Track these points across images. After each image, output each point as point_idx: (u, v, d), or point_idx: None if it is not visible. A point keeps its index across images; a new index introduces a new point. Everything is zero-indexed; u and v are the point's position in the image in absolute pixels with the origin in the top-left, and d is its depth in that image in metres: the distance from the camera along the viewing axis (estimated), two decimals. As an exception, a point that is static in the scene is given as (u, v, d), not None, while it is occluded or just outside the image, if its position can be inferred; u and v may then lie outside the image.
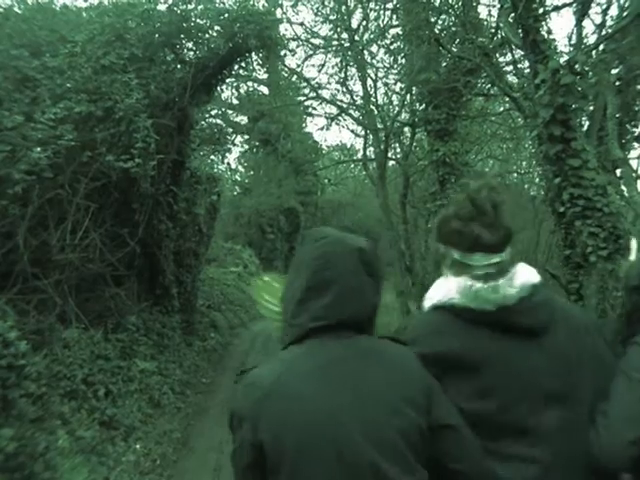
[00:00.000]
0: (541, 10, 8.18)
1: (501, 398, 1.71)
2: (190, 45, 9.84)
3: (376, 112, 21.11)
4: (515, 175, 21.75)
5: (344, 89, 22.71)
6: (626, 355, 1.86)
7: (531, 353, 1.77)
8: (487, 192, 1.90)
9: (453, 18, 14.13)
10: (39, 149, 6.26)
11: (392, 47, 16.86)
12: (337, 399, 1.55)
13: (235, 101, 27.99)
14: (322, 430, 1.51)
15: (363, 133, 24.12)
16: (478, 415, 1.69)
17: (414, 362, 1.70)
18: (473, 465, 1.64)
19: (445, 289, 1.89)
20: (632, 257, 2.52)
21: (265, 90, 28.41)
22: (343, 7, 20.00)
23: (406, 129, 20.65)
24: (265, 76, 26.40)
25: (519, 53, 12.45)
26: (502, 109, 18.38)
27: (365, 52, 20.47)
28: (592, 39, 10.49)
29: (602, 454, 1.69)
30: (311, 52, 22.48)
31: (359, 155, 28.98)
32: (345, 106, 23.11)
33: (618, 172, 9.88)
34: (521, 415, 1.70)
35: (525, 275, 1.85)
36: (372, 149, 22.98)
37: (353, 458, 1.48)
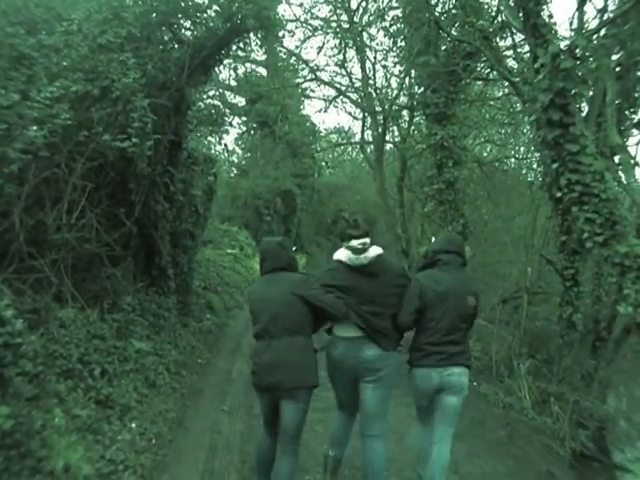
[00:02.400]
0: (542, -7, 8.16)
1: (355, 297, 4.72)
2: (188, 25, 9.76)
3: (374, 95, 21.11)
4: (513, 160, 21.74)
5: (343, 71, 22.70)
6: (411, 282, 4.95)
7: (370, 283, 4.75)
8: (351, 216, 4.84)
9: (453, 1, 14.09)
10: (35, 128, 6.22)
11: (391, 29, 16.79)
12: (269, 290, 4.83)
13: (233, 82, 27.97)
14: (262, 298, 4.84)
15: (361, 116, 24.11)
16: (348, 303, 4.73)
17: (302, 278, 4.91)
18: (328, 301, 4.73)
19: (340, 254, 4.87)
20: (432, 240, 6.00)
21: (263, 72, 28.38)
22: (343, -12, 19.96)
23: (404, 112, 20.62)
24: (263, 57, 26.40)
25: (519, 37, 12.46)
26: (501, 93, 18.40)
27: (364, 34, 20.41)
28: (593, 24, 10.47)
29: (400, 320, 4.81)
30: (310, 34, 22.43)
31: (357, 138, 29.03)
32: (343, 88, 23.10)
33: (616, 158, 9.87)
34: (361, 305, 4.71)
35: (373, 252, 4.75)
36: (370, 132, 23.04)
37: (271, 308, 4.71)
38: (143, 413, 6.74)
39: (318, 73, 23.29)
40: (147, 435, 6.29)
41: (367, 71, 21.36)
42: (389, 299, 4.82)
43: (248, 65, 27.47)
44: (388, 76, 21.81)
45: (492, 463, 6.43)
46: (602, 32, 9.41)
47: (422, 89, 15.45)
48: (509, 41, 13.95)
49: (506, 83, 14.42)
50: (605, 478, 7.88)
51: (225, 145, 29.72)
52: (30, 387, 4.75)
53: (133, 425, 6.31)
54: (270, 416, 4.88)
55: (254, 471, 5.23)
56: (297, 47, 23.81)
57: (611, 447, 8.79)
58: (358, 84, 22.42)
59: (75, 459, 4.79)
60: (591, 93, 9.73)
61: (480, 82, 17.00)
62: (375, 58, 21.43)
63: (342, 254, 4.85)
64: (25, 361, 4.66)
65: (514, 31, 12.54)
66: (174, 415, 7.17)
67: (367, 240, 4.74)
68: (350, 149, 36.36)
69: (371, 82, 21.50)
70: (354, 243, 4.71)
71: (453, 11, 14.16)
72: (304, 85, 25.83)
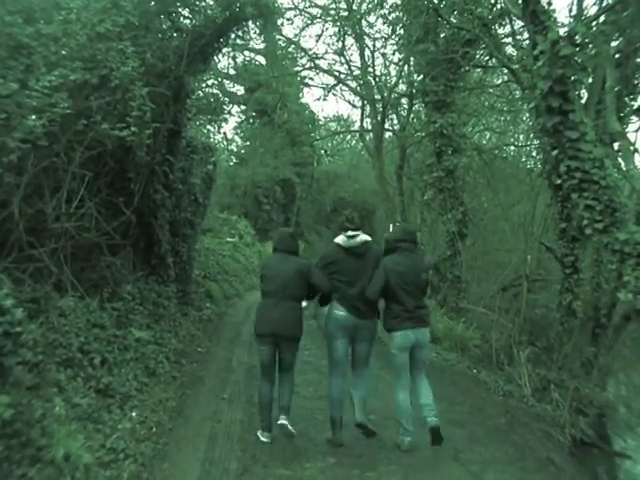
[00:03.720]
0: (542, -20, 8.11)
1: (343, 272, 6.24)
2: (186, 13, 9.75)
3: (373, 83, 21.06)
4: (512, 148, 21.71)
5: (341, 59, 22.62)
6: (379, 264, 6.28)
7: (358, 261, 6.25)
8: (349, 213, 6.48)
9: (452, -13, 14.01)
10: (34, 117, 6.20)
11: (390, 17, 16.73)
12: (280, 265, 6.40)
13: (232, 71, 27.83)
14: (276, 270, 6.38)
15: (360, 104, 24.05)
16: (336, 278, 6.26)
17: (305, 263, 6.49)
18: (321, 282, 6.31)
19: (338, 238, 6.33)
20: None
21: (262, 60, 28.25)
22: (341, -25, 19.85)
23: (403, 100, 20.58)
24: (262, 46, 26.24)
25: (518, 24, 12.44)
26: (500, 81, 18.33)
27: (363, 22, 20.32)
28: (592, 10, 10.43)
29: (369, 293, 6.12)
30: (309, 21, 22.35)
31: (356, 126, 29.02)
32: (342, 76, 23.04)
33: (616, 145, 9.86)
34: (350, 278, 6.21)
35: (362, 238, 6.26)
36: (369, 120, 22.98)
37: (282, 279, 6.27)
38: (143, 402, 6.76)
39: (317, 61, 23.27)
40: (147, 424, 6.30)
41: (366, 59, 21.33)
42: (370, 274, 6.27)
43: (247, 53, 27.39)
44: (387, 64, 21.77)
45: (492, 450, 6.43)
46: (601, 19, 9.40)
47: (421, 77, 15.42)
48: (508, 28, 13.96)
49: (505, 70, 14.41)
50: (605, 465, 7.92)
51: (224, 134, 29.64)
52: (30, 376, 4.76)
53: (133, 414, 6.33)
54: (269, 362, 6.37)
55: (258, 412, 6.58)
56: (296, 35, 23.67)
57: (611, 434, 8.83)
58: (357, 72, 22.39)
59: (75, 448, 4.81)
60: (590, 80, 9.71)
61: (479, 69, 16.96)
62: (374, 46, 21.39)
63: (339, 238, 6.40)
64: (25, 350, 4.67)
65: (513, 18, 12.52)
66: (174, 404, 7.19)
67: (359, 232, 6.36)
68: (349, 137, 36.34)
69: (370, 70, 21.47)
70: (349, 233, 6.29)
71: (452, -2, 14.09)
72: (303, 73, 25.78)
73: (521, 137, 21.65)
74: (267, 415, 6.34)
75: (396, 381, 6.44)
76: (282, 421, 6.19)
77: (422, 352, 6.39)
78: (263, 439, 6.26)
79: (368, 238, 6.40)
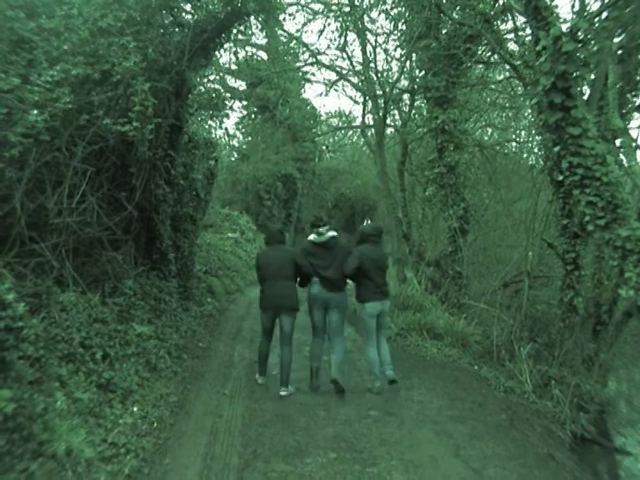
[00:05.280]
0: (544, -24, 8.08)
1: (318, 260, 8.09)
2: (188, 8, 9.74)
3: (375, 78, 20.97)
4: (514, 144, 21.67)
5: (343, 55, 22.56)
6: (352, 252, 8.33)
7: (328, 252, 8.10)
8: (318, 214, 8.73)
9: (455, -17, 13.96)
10: (36, 112, 6.21)
11: (392, 12, 16.67)
12: (275, 254, 8.12)
13: (233, 66, 27.79)
14: (272, 258, 8.10)
15: (362, 100, 23.98)
16: (312, 263, 8.11)
17: (292, 250, 8.61)
18: (303, 263, 8.10)
19: (311, 236, 8.28)
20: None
21: (264, 55, 28.17)
22: (343, -29, 19.77)
23: (405, 96, 20.52)
24: (264, 41, 26.18)
25: (521, 20, 12.40)
26: (502, 77, 18.26)
27: (365, 17, 20.26)
28: (595, 6, 10.40)
29: (346, 269, 8.06)
30: (310, 17, 22.31)
31: (357, 122, 28.89)
32: (344, 72, 22.97)
33: (618, 142, 9.85)
34: (323, 264, 8.07)
35: (329, 234, 8.15)
36: (371, 116, 22.90)
37: (277, 264, 8.01)
38: (145, 397, 6.76)
39: (319, 57, 23.15)
40: (149, 419, 6.31)
41: (368, 54, 21.24)
42: (338, 262, 8.08)
43: (249, 49, 27.34)
44: (389, 59, 21.80)
45: (493, 446, 6.44)
46: (604, 15, 9.36)
47: (423, 73, 15.38)
48: (510, 24, 13.89)
49: (507, 66, 14.36)
50: (606, 461, 7.92)
51: (226, 129, 29.70)
52: (32, 371, 4.78)
53: (135, 409, 6.34)
54: (269, 327, 8.10)
55: (256, 362, 8.43)
56: (298, 31, 23.63)
57: (612, 430, 8.83)
58: (359, 67, 22.28)
59: (77, 442, 4.82)
60: (593, 76, 9.69)
61: (481, 65, 16.90)
62: (376, 41, 21.36)
63: (311, 236, 8.27)
64: (27, 345, 4.68)
65: (515, 14, 12.49)
66: (175, 399, 7.19)
67: (327, 228, 8.16)
68: (351, 133, 36.25)
69: (372, 65, 21.35)
70: (319, 230, 8.11)
71: (454, -6, 14.05)
72: (305, 69, 25.68)
73: (523, 133, 21.61)
74: (263, 364, 8.29)
75: (367, 341, 8.37)
76: (283, 393, 7.81)
77: (385, 319, 8.53)
78: (259, 381, 8.26)
79: (335, 234, 8.32)
